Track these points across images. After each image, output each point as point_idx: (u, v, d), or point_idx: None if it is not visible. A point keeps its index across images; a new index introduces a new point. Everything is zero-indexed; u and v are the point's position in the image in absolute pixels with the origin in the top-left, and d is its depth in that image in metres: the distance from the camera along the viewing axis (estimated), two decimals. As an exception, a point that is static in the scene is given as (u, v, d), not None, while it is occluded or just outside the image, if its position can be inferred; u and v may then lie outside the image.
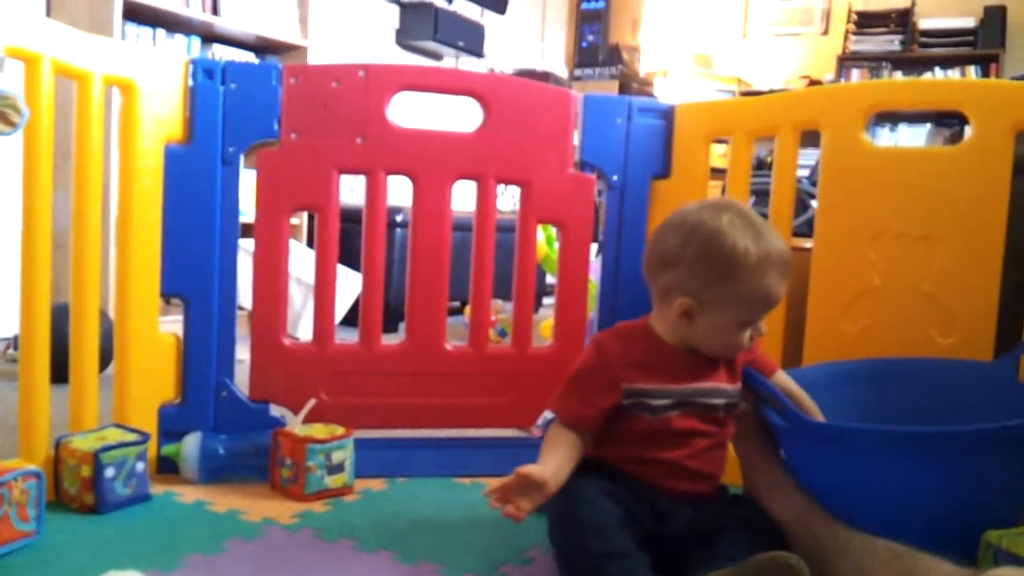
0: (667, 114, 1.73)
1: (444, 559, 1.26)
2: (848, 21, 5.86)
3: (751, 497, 1.28)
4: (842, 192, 1.57)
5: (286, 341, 1.65)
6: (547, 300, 3.61)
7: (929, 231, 1.50)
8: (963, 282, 1.48)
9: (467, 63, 5.01)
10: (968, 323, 1.47)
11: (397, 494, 1.54)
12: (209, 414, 1.60)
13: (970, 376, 1.41)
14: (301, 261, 2.44)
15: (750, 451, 1.32)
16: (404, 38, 4.65)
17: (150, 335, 1.56)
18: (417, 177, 1.67)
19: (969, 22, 5.56)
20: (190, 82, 1.55)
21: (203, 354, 1.60)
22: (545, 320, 2.55)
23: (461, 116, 2.40)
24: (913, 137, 5.52)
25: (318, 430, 1.53)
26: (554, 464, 1.16)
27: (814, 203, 1.72)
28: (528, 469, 1.12)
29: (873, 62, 5.74)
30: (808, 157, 1.88)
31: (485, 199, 1.71)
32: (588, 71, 5.99)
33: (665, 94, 5.84)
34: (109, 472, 1.37)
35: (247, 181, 1.61)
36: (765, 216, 1.62)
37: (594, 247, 1.78)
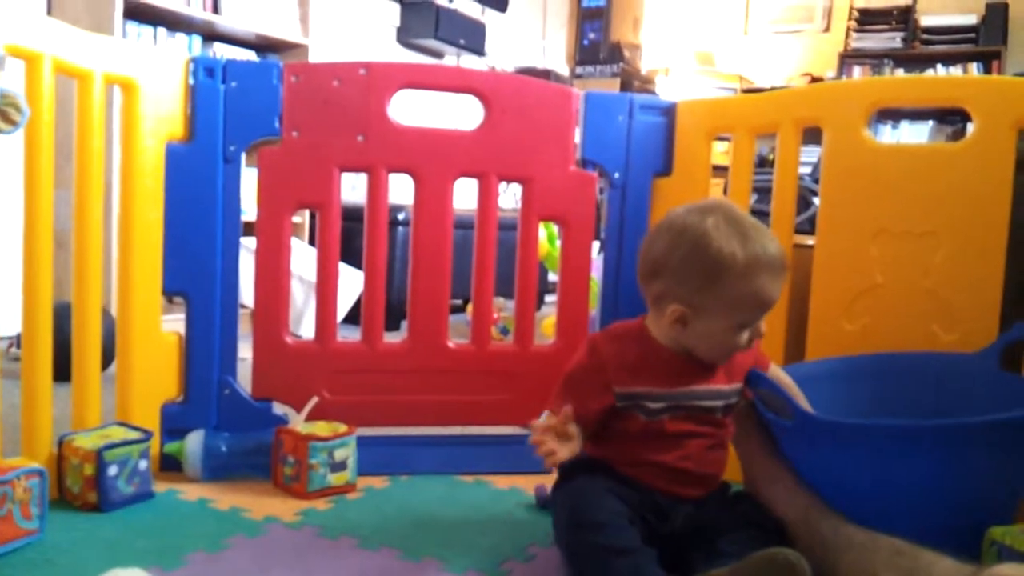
0: (669, 111, 1.73)
1: (447, 556, 1.26)
2: (850, 18, 5.85)
3: (752, 494, 1.28)
4: (844, 189, 1.57)
5: (288, 339, 1.65)
6: (549, 298, 3.61)
7: (931, 228, 1.50)
8: (965, 279, 1.48)
9: (468, 61, 5.01)
10: (970, 319, 1.47)
11: (400, 492, 1.54)
12: (212, 412, 1.60)
13: (957, 367, 1.42)
14: (303, 259, 2.44)
15: (750, 448, 1.32)
16: (405, 36, 4.65)
17: (152, 333, 1.56)
18: (419, 175, 1.67)
19: (971, 19, 5.55)
20: (191, 81, 1.56)
21: (205, 352, 1.60)
22: (547, 318, 2.55)
23: (462, 114, 2.40)
24: (915, 134, 5.51)
25: (321, 428, 1.53)
26: None
27: (816, 200, 1.72)
28: (569, 410, 1.16)
29: (875, 59, 5.73)
30: (810, 154, 1.87)
31: (487, 196, 1.71)
32: (589, 69, 5.99)
33: (667, 92, 5.83)
34: (112, 470, 1.37)
35: (249, 179, 1.61)
36: (767, 213, 1.63)
37: (596, 245, 1.77)
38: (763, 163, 2.28)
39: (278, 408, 1.65)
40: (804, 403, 1.29)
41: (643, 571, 1.06)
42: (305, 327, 2.67)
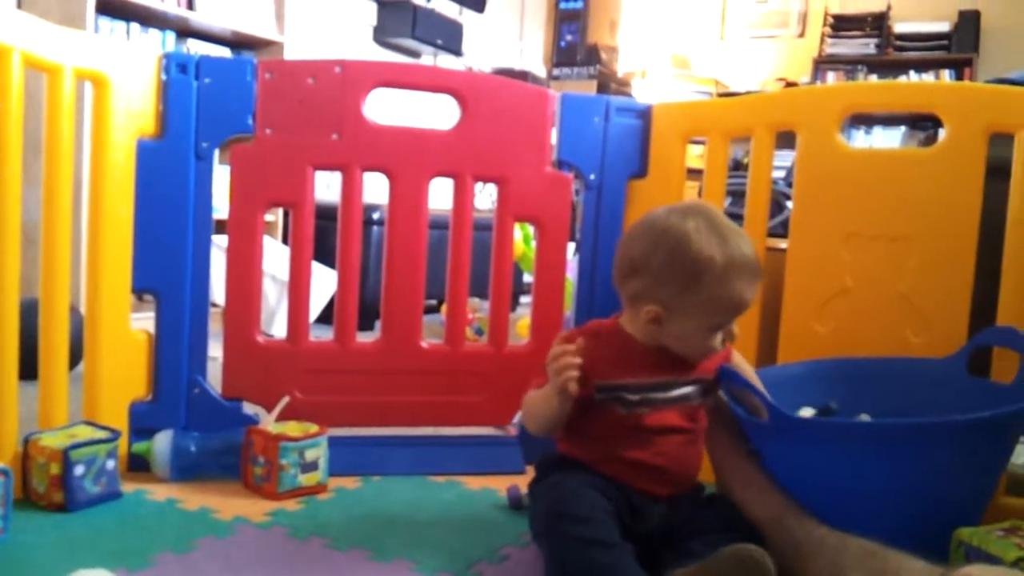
0: (644, 114, 1.74)
1: (418, 557, 1.25)
2: (824, 24, 5.90)
3: (726, 496, 1.28)
4: (817, 193, 1.58)
5: (260, 338, 1.64)
6: (524, 299, 3.60)
7: (903, 232, 1.52)
8: (936, 283, 1.49)
9: (445, 61, 5.00)
10: (941, 324, 1.48)
11: (371, 493, 1.53)
12: (181, 411, 1.58)
13: (926, 372, 1.43)
14: (276, 258, 2.42)
15: (723, 450, 1.32)
16: (382, 35, 4.63)
17: (121, 331, 1.54)
18: (393, 174, 1.66)
19: (943, 26, 5.63)
20: (163, 76, 1.54)
21: (175, 351, 1.58)
22: (522, 319, 2.55)
23: (438, 114, 2.39)
24: (888, 140, 5.57)
25: (292, 428, 1.51)
26: None
27: (789, 204, 1.73)
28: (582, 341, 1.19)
29: (848, 65, 5.79)
30: (784, 159, 1.89)
31: (462, 196, 1.70)
32: (566, 71, 6.01)
33: (643, 94, 5.86)
34: (78, 470, 1.35)
35: (221, 177, 1.59)
36: (741, 217, 1.63)
37: (571, 246, 1.77)
38: (737, 167, 2.30)
39: (248, 408, 1.63)
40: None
41: (622, 565, 1.07)
42: (277, 326, 2.65)
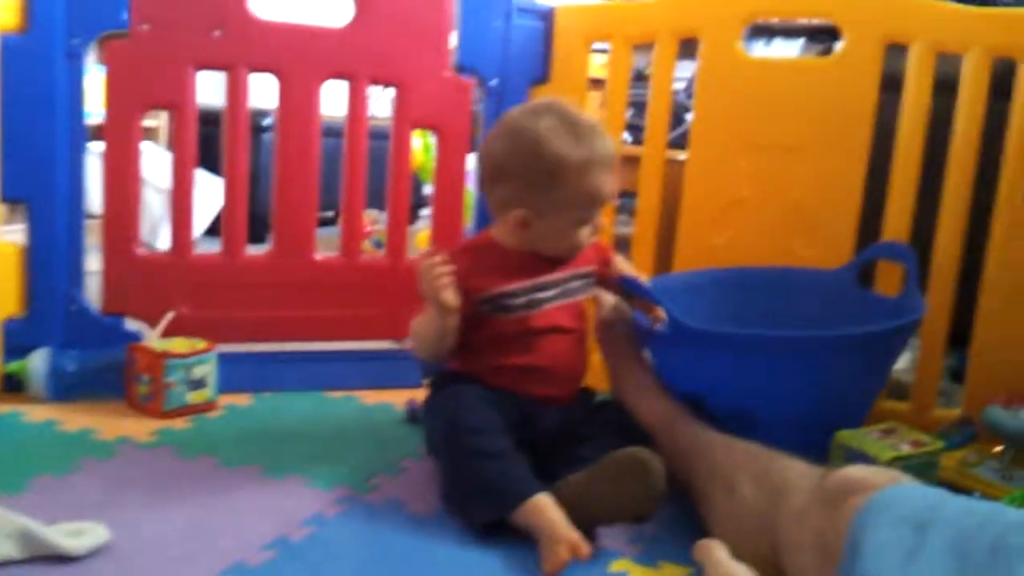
0: (547, 16, 1.69)
1: (313, 472, 1.23)
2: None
3: (618, 402, 1.30)
4: (717, 102, 1.58)
5: (140, 251, 1.55)
6: (425, 212, 3.54)
7: (797, 142, 1.53)
8: (827, 194, 1.52)
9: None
10: (830, 235, 1.52)
11: (264, 409, 1.49)
12: (58, 328, 1.50)
13: (814, 282, 1.49)
14: (161, 166, 2.29)
15: (618, 356, 1.34)
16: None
17: (-12, 244, 1.43)
18: (283, 74, 1.57)
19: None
20: (25, -37, 1.40)
21: (49, 264, 1.49)
22: (422, 231, 2.50)
23: (331, 11, 2.27)
24: (787, 51, 5.63)
25: (178, 344, 1.46)
26: None
27: (689, 116, 1.73)
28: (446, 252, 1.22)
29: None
30: (684, 70, 1.88)
31: (357, 100, 1.63)
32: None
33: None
34: (-57, 391, 1.27)
35: (96, 78, 1.48)
36: (643, 128, 1.62)
37: (472, 155, 1.73)
38: (639, 78, 2.28)
39: (131, 324, 1.55)
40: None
41: (514, 474, 1.07)
42: (163, 238, 2.54)
